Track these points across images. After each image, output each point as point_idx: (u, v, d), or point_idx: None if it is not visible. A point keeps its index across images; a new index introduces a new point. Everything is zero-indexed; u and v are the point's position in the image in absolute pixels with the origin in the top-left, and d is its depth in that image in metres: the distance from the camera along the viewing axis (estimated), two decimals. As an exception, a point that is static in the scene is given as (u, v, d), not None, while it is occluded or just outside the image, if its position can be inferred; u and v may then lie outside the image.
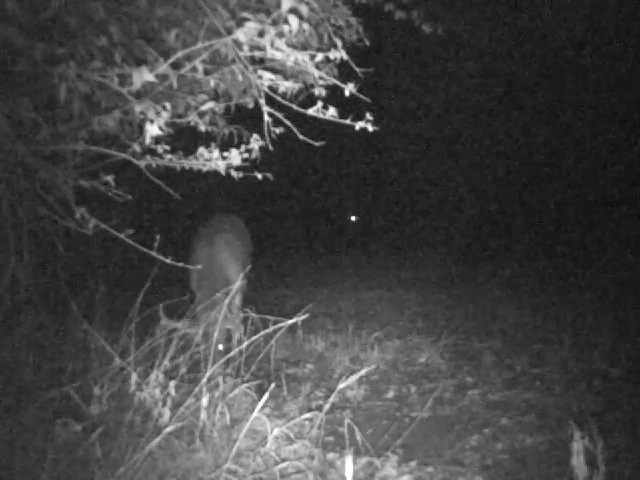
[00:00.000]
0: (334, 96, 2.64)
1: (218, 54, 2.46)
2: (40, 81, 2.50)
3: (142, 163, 2.74)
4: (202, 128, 2.93)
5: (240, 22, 2.06)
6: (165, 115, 2.34)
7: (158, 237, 2.82)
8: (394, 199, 16.68)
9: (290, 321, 2.78)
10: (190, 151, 2.84)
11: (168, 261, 2.83)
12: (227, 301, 3.21)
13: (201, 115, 2.91)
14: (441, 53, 11.24)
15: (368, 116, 2.48)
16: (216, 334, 2.94)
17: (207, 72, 2.62)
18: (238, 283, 3.53)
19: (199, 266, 3.74)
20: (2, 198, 3.05)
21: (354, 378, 2.74)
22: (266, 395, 2.51)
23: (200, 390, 2.63)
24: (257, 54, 2.26)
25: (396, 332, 5.23)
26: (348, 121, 2.47)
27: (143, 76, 2.11)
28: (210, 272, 4.00)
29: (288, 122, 2.56)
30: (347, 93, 2.40)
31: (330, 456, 2.80)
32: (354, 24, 3.24)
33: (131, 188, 3.04)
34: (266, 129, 2.45)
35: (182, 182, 3.43)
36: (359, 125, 2.50)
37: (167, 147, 2.79)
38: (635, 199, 11.70)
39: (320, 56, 2.25)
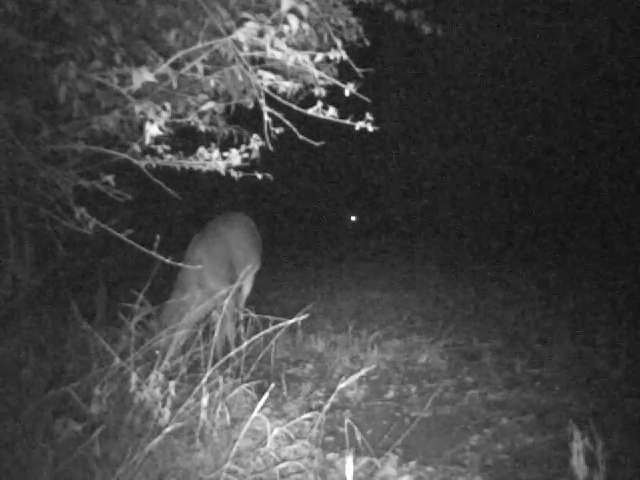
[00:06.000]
0: (334, 96, 2.64)
1: (218, 54, 2.47)
2: (40, 81, 2.50)
3: (142, 163, 2.75)
4: (202, 128, 2.93)
5: (240, 22, 2.06)
6: (165, 115, 2.34)
7: (158, 237, 2.82)
8: (394, 199, 16.69)
9: (290, 321, 2.78)
10: (190, 151, 2.84)
11: (168, 261, 2.83)
12: (226, 302, 3.21)
13: (201, 115, 2.91)
14: (441, 53, 11.25)
15: (368, 116, 2.48)
16: (216, 335, 2.94)
17: (207, 72, 2.62)
18: (236, 284, 3.53)
19: (199, 266, 3.73)
20: (2, 198, 3.06)
21: (354, 378, 2.74)
22: (266, 395, 2.51)
23: (200, 390, 2.63)
24: (257, 54, 2.26)
25: (396, 332, 5.23)
26: (348, 121, 2.47)
27: (143, 76, 2.11)
28: (183, 275, 3.94)
29: (288, 122, 2.56)
30: (347, 93, 2.40)
31: (330, 456, 2.80)
32: (354, 24, 3.24)
33: (131, 188, 3.04)
34: (266, 129, 2.46)
35: (182, 182, 3.43)
36: (359, 125, 2.50)
37: (167, 147, 2.79)
38: (637, 199, 11.71)
39: (320, 56, 2.25)
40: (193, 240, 4.13)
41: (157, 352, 3.06)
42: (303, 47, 2.75)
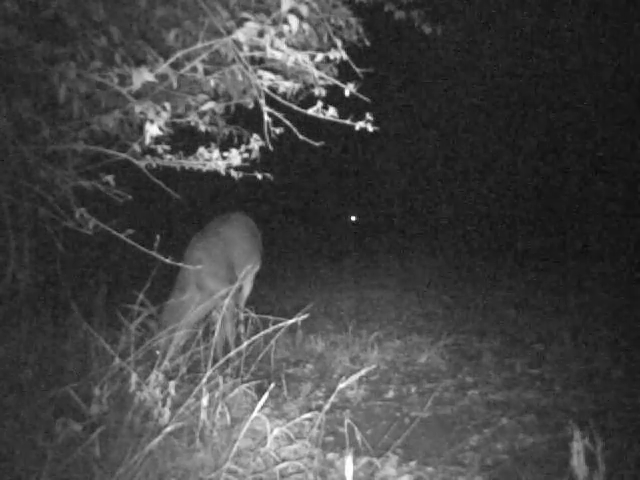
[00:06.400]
0: (334, 96, 2.64)
1: (218, 54, 2.47)
2: (40, 81, 2.50)
3: (142, 163, 2.75)
4: (202, 128, 2.93)
5: (240, 22, 2.06)
6: (165, 115, 2.34)
7: (158, 237, 2.82)
8: (394, 199, 16.69)
9: (290, 321, 2.78)
10: (190, 151, 2.84)
11: (168, 261, 2.83)
12: (226, 302, 3.21)
13: (201, 115, 2.91)
14: (441, 53, 11.25)
15: (368, 116, 2.48)
16: (216, 335, 2.94)
17: (207, 72, 2.62)
18: (236, 285, 3.52)
19: (198, 266, 3.73)
20: (2, 198, 3.05)
21: (354, 378, 2.74)
22: (266, 395, 2.50)
23: (200, 390, 2.63)
24: (257, 54, 2.26)
25: (396, 332, 5.23)
26: (348, 121, 2.47)
27: (143, 76, 2.11)
28: (182, 276, 3.94)
29: (288, 122, 2.56)
30: (347, 93, 2.40)
31: (330, 456, 2.79)
32: (354, 24, 3.24)
33: (131, 188, 3.04)
34: (266, 129, 2.45)
35: (182, 182, 3.43)
36: (359, 125, 2.50)
37: (167, 147, 2.79)
38: (636, 199, 11.70)
39: (320, 56, 2.25)
40: (192, 240, 4.13)
41: (157, 352, 3.06)
42: (303, 47, 2.75)
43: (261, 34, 2.02)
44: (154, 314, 3.40)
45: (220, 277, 4.01)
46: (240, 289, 4.65)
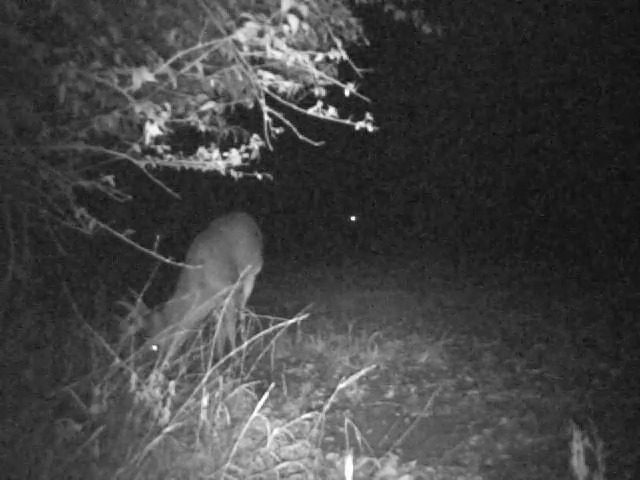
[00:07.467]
0: (334, 96, 2.64)
1: (218, 54, 2.47)
2: (40, 81, 2.50)
3: (142, 163, 2.74)
4: (202, 128, 2.92)
5: (240, 22, 2.06)
6: (165, 115, 2.34)
7: (158, 237, 2.82)
8: (394, 199, 16.69)
9: (290, 321, 2.78)
10: (190, 151, 2.84)
11: (168, 261, 2.83)
12: (227, 301, 3.21)
13: (201, 115, 2.91)
14: (441, 53, 11.25)
15: (368, 116, 2.49)
16: (216, 335, 2.94)
17: (207, 72, 2.62)
18: (236, 285, 3.52)
19: (199, 266, 3.74)
20: (2, 198, 3.05)
21: (354, 378, 2.74)
22: (266, 395, 2.50)
23: (200, 390, 2.63)
24: (257, 54, 2.26)
25: (396, 332, 5.23)
26: (348, 121, 2.47)
27: (143, 76, 2.11)
28: (185, 275, 3.95)
29: (288, 122, 2.56)
30: (347, 93, 2.40)
31: (330, 456, 2.79)
32: (354, 24, 3.24)
33: (131, 188, 3.04)
34: (266, 129, 2.45)
35: (182, 182, 3.43)
36: (359, 125, 2.50)
37: (167, 147, 2.79)
38: (635, 199, 11.70)
39: (320, 56, 2.25)
40: (195, 240, 4.14)
41: (155, 348, 3.06)
42: (303, 47, 2.75)
43: (261, 34, 2.02)
44: (154, 312, 3.40)
45: (222, 276, 4.04)
46: (241, 289, 4.65)
